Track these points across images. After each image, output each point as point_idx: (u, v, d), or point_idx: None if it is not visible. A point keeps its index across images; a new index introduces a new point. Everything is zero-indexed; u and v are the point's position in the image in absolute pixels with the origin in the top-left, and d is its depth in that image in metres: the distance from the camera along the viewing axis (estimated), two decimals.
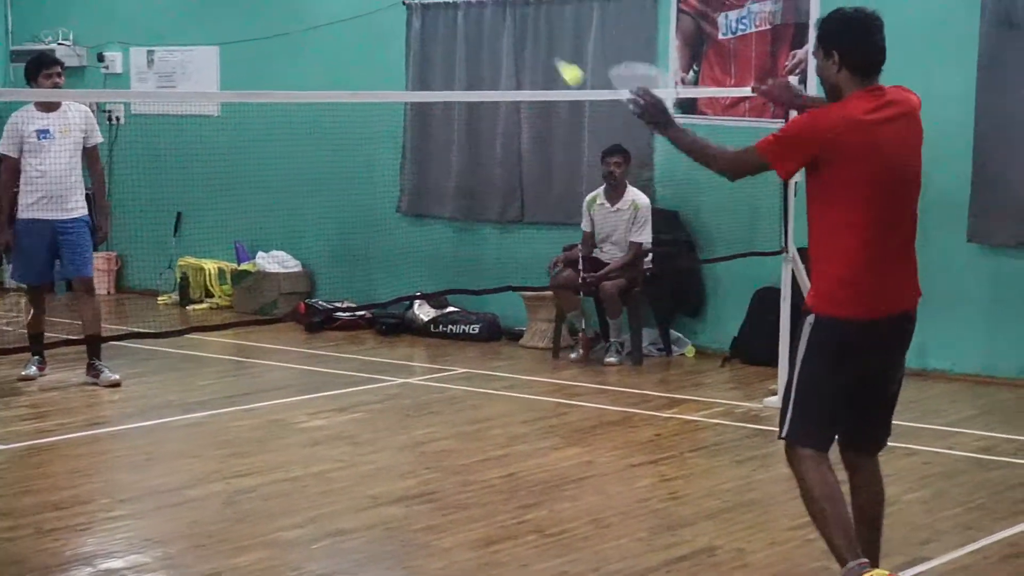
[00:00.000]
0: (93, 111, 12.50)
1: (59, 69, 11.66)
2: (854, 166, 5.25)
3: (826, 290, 5.52)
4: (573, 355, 12.54)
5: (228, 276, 15.30)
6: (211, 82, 15.56)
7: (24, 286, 12.26)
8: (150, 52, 15.96)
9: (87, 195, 11.66)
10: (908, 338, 5.66)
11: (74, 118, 11.50)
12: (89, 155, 11.64)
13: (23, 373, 11.39)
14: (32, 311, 11.55)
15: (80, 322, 11.69)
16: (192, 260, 15.55)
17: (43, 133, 11.26)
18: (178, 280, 15.64)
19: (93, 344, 11.31)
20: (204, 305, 15.35)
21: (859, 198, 5.27)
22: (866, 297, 5.39)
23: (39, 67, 11.55)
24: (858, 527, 5.50)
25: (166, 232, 16.20)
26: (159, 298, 15.82)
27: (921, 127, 5.65)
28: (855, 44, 5.44)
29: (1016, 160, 11.02)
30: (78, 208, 11.44)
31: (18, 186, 11.39)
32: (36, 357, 11.56)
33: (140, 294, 16.15)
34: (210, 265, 15.44)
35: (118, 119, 16.62)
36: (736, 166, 6.01)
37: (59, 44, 16.67)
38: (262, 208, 15.18)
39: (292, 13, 14.98)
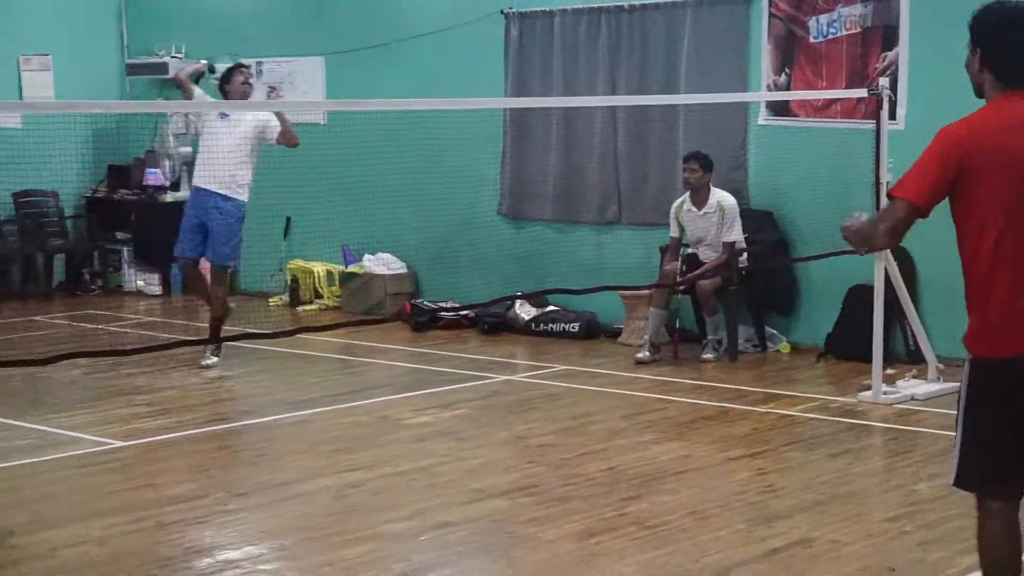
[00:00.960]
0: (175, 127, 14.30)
1: (248, 71, 12.61)
2: (989, 180, 4.70)
3: (977, 328, 4.87)
4: (644, 353, 12.21)
5: (336, 278, 15.38)
6: (317, 91, 15.65)
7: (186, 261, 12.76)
8: (259, 63, 16.09)
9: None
10: None
11: (250, 118, 12.07)
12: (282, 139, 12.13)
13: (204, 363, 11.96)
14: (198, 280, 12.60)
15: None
16: (301, 263, 15.68)
17: (212, 133, 12.11)
18: (288, 282, 15.75)
19: (212, 330, 12.13)
20: (313, 306, 15.47)
21: (1000, 218, 4.67)
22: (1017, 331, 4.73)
23: (234, 70, 12.39)
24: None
25: (276, 236, 16.32)
26: (270, 300, 15.92)
27: None
28: (1000, 44, 4.83)
29: None
30: (236, 192, 12.05)
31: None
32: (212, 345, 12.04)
33: (252, 296, 16.19)
34: (318, 268, 15.55)
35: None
36: (889, 229, 5.07)
37: (172, 57, 16.80)
38: (367, 212, 15.28)
39: (394, 23, 14.97)
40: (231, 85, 12.18)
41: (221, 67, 14.11)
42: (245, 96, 12.18)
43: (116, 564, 6.72)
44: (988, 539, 4.75)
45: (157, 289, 16.93)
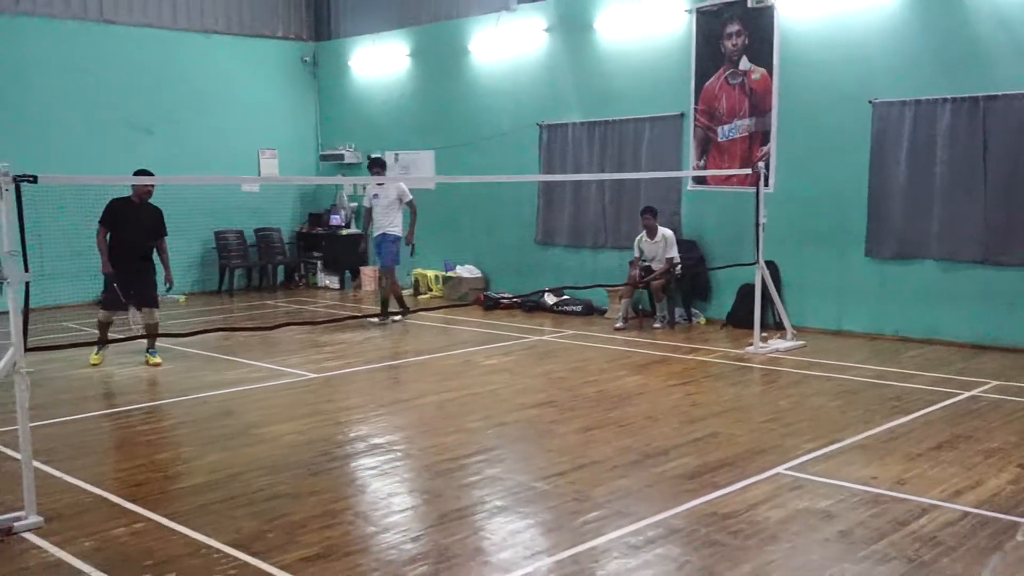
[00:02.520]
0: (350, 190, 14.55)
1: (381, 165, 13.09)
2: None
3: None
4: (619, 324, 12.13)
5: (440, 279, 15.35)
6: (430, 170, 15.68)
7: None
8: (396, 154, 16.23)
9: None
10: None
11: (392, 187, 12.45)
12: (410, 206, 12.61)
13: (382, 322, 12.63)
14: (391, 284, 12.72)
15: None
16: (421, 271, 15.63)
17: (375, 196, 12.62)
18: (414, 281, 15.73)
19: (387, 299, 12.72)
20: (427, 296, 15.45)
21: None
22: None
23: (374, 163, 13.11)
24: None
25: (409, 257, 16.29)
26: (404, 291, 15.81)
27: None
28: None
29: (898, 200, 10.91)
30: (391, 230, 12.61)
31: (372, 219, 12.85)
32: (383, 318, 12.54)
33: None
34: (431, 273, 15.55)
35: (378, 194, 16.81)
36: None
37: (347, 150, 16.96)
38: (459, 241, 15.49)
39: (475, 129, 14.91)
40: (375, 172, 12.93)
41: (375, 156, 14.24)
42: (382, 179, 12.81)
43: (311, 445, 6.90)
44: None
45: (336, 285, 17.02)
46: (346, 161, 16.98)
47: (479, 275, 15.15)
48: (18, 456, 5.64)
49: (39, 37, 14.51)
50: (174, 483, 6.05)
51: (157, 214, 9.98)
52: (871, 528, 5.09)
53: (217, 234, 16.43)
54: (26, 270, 5.17)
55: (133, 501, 5.69)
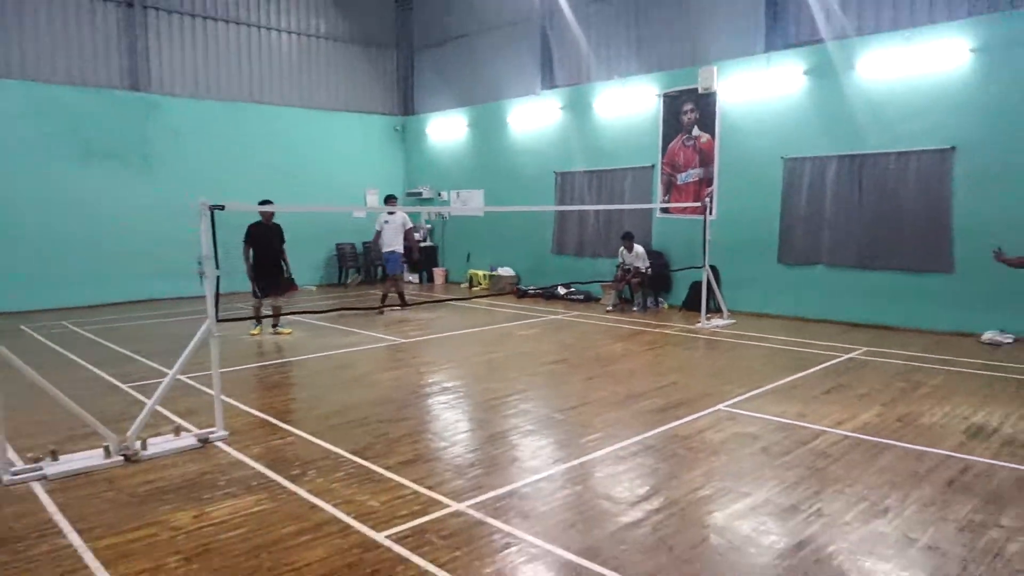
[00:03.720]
0: (427, 216, 13.19)
1: (394, 200, 11.98)
2: None
3: None
4: (609, 307, 12.05)
5: (487, 277, 15.22)
6: (480, 202, 15.52)
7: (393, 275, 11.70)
8: (457, 192, 16.26)
9: (406, 247, 11.66)
10: None
11: (399, 215, 11.52)
12: (407, 232, 11.58)
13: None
14: (396, 286, 11.64)
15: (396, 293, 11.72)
16: (474, 271, 15.54)
17: (386, 222, 11.48)
18: (468, 278, 15.63)
19: (385, 294, 11.67)
20: (478, 288, 15.26)
21: None
22: None
23: (389, 198, 12.00)
24: None
25: (464, 261, 16.37)
26: (461, 285, 15.77)
27: None
28: None
29: (800, 223, 10.83)
30: (397, 248, 11.49)
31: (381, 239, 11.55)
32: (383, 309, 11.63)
33: (455, 284, 16.12)
34: (480, 272, 15.42)
35: (446, 217, 16.81)
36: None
37: (424, 188, 16.91)
38: (501, 249, 15.40)
39: (513, 175, 14.83)
40: (389, 204, 11.73)
41: (443, 193, 14.06)
42: (392, 209, 11.27)
43: (402, 387, 6.83)
44: None
45: (416, 280, 16.57)
46: (424, 196, 16.98)
47: (513, 274, 15.02)
48: (211, 391, 5.75)
49: (213, 112, 14.65)
50: (311, 411, 6.09)
51: (279, 230, 9.81)
52: (783, 445, 5.08)
53: (337, 245, 16.46)
54: (216, 268, 5.27)
55: (285, 422, 5.77)
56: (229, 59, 15.07)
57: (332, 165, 16.28)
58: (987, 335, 8.74)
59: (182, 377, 7.05)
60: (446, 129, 16.64)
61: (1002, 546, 3.59)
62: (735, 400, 6.27)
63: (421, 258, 12.55)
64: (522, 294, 13.99)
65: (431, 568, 3.42)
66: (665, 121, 12.31)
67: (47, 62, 12.89)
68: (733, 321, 10.52)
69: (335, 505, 4.14)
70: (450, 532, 3.79)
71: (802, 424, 5.56)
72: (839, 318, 10.35)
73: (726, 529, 3.81)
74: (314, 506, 4.14)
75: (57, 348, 9.00)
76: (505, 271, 15.10)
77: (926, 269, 9.54)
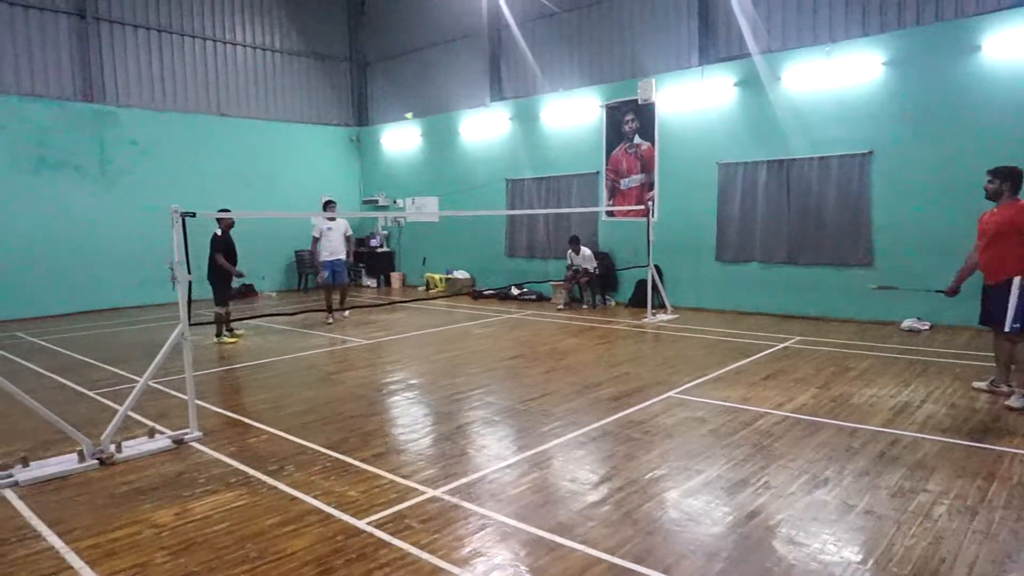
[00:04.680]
0: (383, 222, 12.60)
1: (334, 205, 10.65)
2: None
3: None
4: (560, 306, 12.10)
5: (444, 279, 15.11)
6: (435, 208, 15.38)
7: (326, 285, 10.82)
8: (412, 199, 16.16)
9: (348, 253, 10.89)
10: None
11: (341, 222, 10.77)
12: (347, 240, 10.78)
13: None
14: (330, 293, 10.84)
15: (338, 297, 11.07)
16: (430, 274, 15.39)
17: (328, 229, 10.62)
18: (425, 281, 15.47)
19: (343, 303, 11.01)
20: (434, 291, 15.17)
21: None
22: None
23: (329, 203, 10.62)
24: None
25: (420, 265, 16.27)
26: (419, 288, 15.64)
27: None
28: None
29: (734, 223, 11.13)
30: (342, 256, 10.60)
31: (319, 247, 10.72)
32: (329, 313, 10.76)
33: (413, 288, 15.98)
34: (437, 276, 15.27)
35: (401, 222, 16.69)
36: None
37: (379, 195, 16.72)
38: (456, 254, 15.37)
39: (464, 182, 14.82)
40: (328, 210, 10.49)
41: (399, 200, 13.91)
42: (333, 216, 9.90)
43: (370, 384, 6.80)
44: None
45: (374, 285, 16.57)
46: (380, 203, 16.85)
47: (468, 276, 15.03)
48: (180, 395, 5.63)
49: (172, 124, 14.27)
50: (283, 410, 6.01)
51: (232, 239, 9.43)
52: (729, 427, 5.24)
53: (296, 252, 16.22)
54: (188, 274, 5.17)
55: (258, 421, 5.68)
56: (186, 72, 14.72)
57: (290, 175, 16.03)
58: (906, 323, 9.16)
59: (151, 383, 6.86)
60: (400, 139, 16.53)
61: (929, 508, 3.80)
62: (684, 387, 6.40)
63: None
64: (477, 295, 13.98)
65: (413, 550, 3.45)
66: (608, 130, 12.50)
67: None
68: (677, 316, 10.75)
69: (315, 496, 4.12)
70: (428, 516, 3.82)
71: (746, 407, 5.73)
72: (773, 311, 10.68)
73: (683, 503, 3.93)
74: (295, 498, 4.11)
75: (14, 358, 8.64)
76: (461, 274, 15.06)
77: (849, 263, 9.94)
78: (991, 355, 6.20)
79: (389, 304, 12.93)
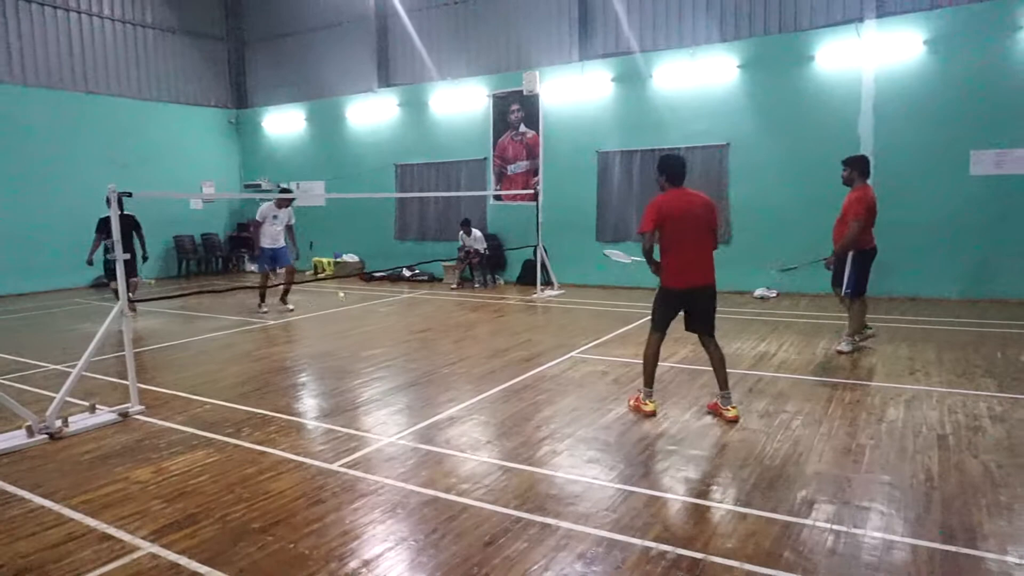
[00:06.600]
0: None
1: (290, 195, 10.54)
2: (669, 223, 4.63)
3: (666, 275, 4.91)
4: (453, 285, 12.51)
5: (332, 263, 15.20)
6: (321, 192, 15.37)
7: (263, 271, 10.42)
8: (298, 184, 16.09)
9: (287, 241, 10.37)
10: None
11: (287, 212, 10.35)
12: (289, 229, 10.29)
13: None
14: (267, 280, 10.42)
15: (283, 281, 10.69)
16: (318, 258, 15.47)
17: (275, 217, 10.19)
18: (313, 265, 15.49)
19: (288, 289, 10.69)
20: (324, 274, 15.18)
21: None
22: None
23: (284, 191, 10.60)
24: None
25: (307, 249, 16.20)
26: (306, 273, 15.46)
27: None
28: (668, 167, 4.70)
29: (612, 207, 12.15)
30: (285, 244, 10.24)
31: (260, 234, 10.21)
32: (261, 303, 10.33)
33: (300, 272, 15.75)
34: (325, 260, 15.36)
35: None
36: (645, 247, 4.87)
37: (262, 180, 16.56)
38: (345, 238, 15.46)
39: (354, 164, 14.94)
40: (282, 205, 10.14)
41: (284, 184, 13.91)
42: (282, 205, 10.10)
43: (290, 359, 6.98)
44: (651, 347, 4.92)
45: (256, 270, 16.40)
46: (263, 188, 16.63)
47: (357, 260, 15.18)
48: (102, 376, 5.72)
49: (42, 101, 13.44)
50: (217, 384, 6.21)
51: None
52: (628, 376, 6.12)
53: (175, 237, 15.73)
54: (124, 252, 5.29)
55: (197, 395, 5.88)
56: (48, 46, 13.84)
57: (167, 157, 15.48)
58: (758, 291, 10.62)
59: (64, 367, 6.83)
60: (283, 123, 16.38)
61: (788, 423, 4.87)
62: (583, 349, 7.21)
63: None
64: (369, 278, 14.16)
65: (389, 480, 4.02)
66: (495, 119, 13.19)
67: None
68: (563, 291, 11.64)
69: (282, 450, 4.55)
70: (392, 456, 4.39)
71: (638, 361, 6.50)
72: (645, 285, 11.84)
73: (605, 431, 4.76)
74: (264, 452, 4.52)
75: None
76: (350, 257, 15.20)
77: None
78: (827, 314, 7.51)
79: (281, 286, 12.88)
